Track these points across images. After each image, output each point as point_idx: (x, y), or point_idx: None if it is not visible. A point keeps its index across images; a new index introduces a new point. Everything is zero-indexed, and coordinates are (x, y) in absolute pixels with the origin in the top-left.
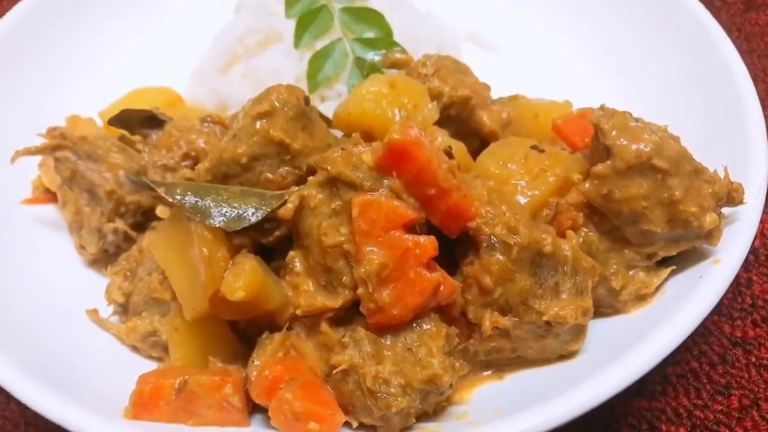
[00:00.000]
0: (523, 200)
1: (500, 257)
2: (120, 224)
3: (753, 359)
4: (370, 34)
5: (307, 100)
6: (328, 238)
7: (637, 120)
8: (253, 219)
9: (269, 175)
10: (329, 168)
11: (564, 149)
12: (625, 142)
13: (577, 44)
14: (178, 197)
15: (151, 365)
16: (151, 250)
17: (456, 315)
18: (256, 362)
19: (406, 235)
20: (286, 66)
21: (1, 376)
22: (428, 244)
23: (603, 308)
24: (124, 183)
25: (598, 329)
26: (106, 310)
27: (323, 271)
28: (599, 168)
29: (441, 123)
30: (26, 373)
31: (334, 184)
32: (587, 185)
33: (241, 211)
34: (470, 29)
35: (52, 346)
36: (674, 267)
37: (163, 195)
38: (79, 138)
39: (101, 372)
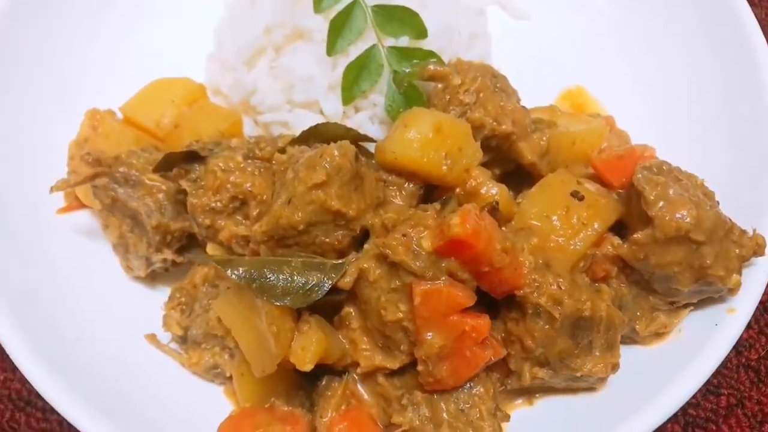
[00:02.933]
0: (564, 256)
1: (545, 325)
2: (168, 254)
3: (743, 360)
4: (404, 36)
5: (357, 156)
6: (388, 313)
7: (678, 179)
8: (317, 297)
9: (325, 239)
10: (390, 253)
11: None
12: (667, 217)
13: (605, 17)
14: (243, 275)
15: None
16: (219, 314)
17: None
18: (324, 419)
19: (464, 318)
20: (318, 73)
21: (52, 396)
22: (483, 326)
23: (623, 338)
24: (165, 208)
25: None
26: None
27: (381, 336)
28: (639, 237)
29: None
30: (79, 399)
31: (394, 265)
32: (626, 248)
33: (305, 288)
34: None
35: (106, 364)
36: (692, 308)
37: (229, 274)
38: (112, 159)
39: (160, 394)
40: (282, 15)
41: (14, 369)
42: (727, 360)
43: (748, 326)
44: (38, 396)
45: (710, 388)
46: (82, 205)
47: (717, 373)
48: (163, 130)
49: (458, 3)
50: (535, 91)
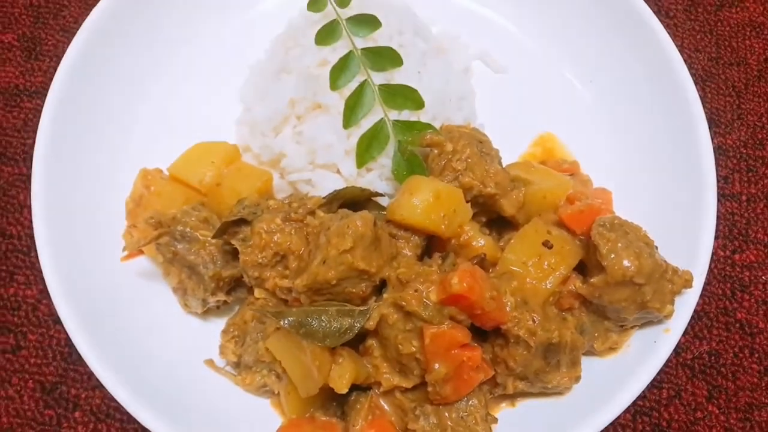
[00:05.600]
0: (538, 294)
1: (523, 351)
2: (221, 296)
3: (681, 360)
4: (406, 109)
5: (375, 222)
6: (404, 348)
7: (626, 232)
8: (349, 338)
9: (352, 290)
10: (405, 305)
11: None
12: (616, 267)
13: (573, 73)
14: (292, 323)
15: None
16: (271, 350)
17: None
18: (356, 427)
19: (463, 351)
20: (336, 141)
21: (131, 407)
22: (476, 356)
23: (585, 352)
24: (217, 259)
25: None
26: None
27: (398, 363)
28: (595, 281)
29: (470, 205)
30: (152, 408)
31: (408, 312)
32: (585, 288)
33: (339, 331)
34: (480, 50)
35: (172, 381)
36: (637, 329)
37: (282, 323)
38: (171, 220)
39: (218, 406)
40: (304, 91)
41: (93, 387)
42: (668, 360)
43: (685, 333)
44: (116, 409)
45: (654, 383)
46: (141, 252)
47: (659, 371)
48: (206, 188)
49: (448, 70)
50: (512, 137)
